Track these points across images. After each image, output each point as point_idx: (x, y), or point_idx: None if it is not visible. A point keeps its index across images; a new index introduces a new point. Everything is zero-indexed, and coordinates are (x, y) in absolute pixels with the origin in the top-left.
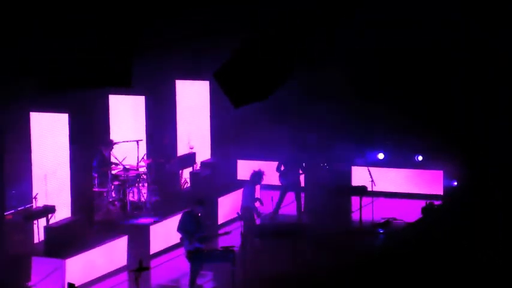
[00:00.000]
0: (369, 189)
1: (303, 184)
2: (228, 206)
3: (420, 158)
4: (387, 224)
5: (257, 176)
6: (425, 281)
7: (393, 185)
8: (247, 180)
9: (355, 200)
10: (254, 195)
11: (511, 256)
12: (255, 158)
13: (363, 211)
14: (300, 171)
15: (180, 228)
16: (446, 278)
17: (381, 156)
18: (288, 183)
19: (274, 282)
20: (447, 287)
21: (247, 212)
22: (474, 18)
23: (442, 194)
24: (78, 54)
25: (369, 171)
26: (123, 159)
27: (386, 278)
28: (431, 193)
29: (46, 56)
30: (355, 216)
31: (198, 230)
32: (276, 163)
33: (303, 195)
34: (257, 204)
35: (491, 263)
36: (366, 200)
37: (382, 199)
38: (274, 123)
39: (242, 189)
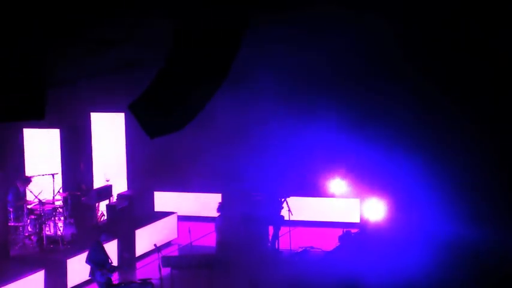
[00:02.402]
0: (286, 218)
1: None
2: (145, 238)
3: (338, 188)
4: (305, 252)
5: (225, 206)
6: None
7: (310, 214)
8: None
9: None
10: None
11: None
12: (172, 189)
13: (281, 240)
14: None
15: (89, 260)
16: None
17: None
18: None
19: None
20: None
21: (220, 247)
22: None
23: (359, 222)
24: None
25: (286, 200)
26: (39, 193)
27: None
28: (348, 221)
29: None
30: (272, 245)
31: (107, 260)
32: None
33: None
34: None
35: None
36: (283, 229)
37: (299, 228)
38: (190, 154)
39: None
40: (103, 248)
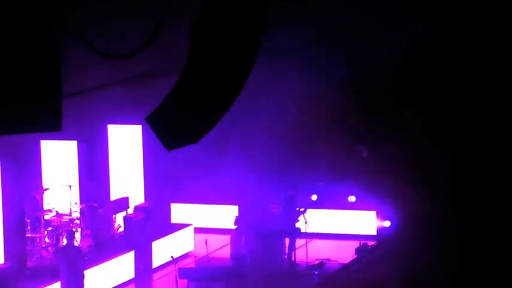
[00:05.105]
0: (303, 230)
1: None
2: (162, 249)
3: (353, 198)
4: (321, 265)
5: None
6: None
7: (327, 226)
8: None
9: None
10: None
11: None
12: (188, 201)
13: (297, 252)
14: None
15: None
16: None
17: (314, 197)
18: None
19: None
20: None
21: (236, 260)
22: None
23: (375, 234)
24: (4, 98)
25: (303, 212)
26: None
27: None
28: (365, 233)
29: None
30: (289, 258)
31: None
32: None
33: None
34: None
35: None
36: (299, 241)
37: (316, 240)
38: (206, 166)
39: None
40: None
